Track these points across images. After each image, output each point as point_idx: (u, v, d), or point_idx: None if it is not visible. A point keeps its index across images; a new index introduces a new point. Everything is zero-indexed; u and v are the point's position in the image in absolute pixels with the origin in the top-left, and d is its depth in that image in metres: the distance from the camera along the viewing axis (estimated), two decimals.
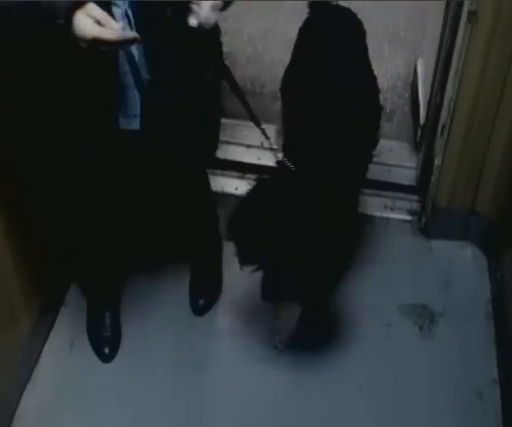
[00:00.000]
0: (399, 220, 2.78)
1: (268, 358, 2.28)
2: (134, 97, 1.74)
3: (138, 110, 1.76)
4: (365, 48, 2.26)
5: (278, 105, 2.39)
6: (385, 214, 2.79)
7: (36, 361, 2.26)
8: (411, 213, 2.81)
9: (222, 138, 2.93)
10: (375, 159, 2.91)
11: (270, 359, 2.28)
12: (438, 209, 2.63)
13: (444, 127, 2.45)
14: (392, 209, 2.82)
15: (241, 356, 2.28)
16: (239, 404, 2.18)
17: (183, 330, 2.35)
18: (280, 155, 1.92)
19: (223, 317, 2.40)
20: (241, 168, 2.86)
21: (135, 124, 1.78)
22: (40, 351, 2.28)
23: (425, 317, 2.43)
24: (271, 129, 2.10)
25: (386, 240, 2.69)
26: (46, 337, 2.32)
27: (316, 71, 2.08)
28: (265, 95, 3.16)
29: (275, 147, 1.96)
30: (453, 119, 2.37)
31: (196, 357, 2.29)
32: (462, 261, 2.63)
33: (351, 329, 2.39)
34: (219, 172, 2.79)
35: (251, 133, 2.70)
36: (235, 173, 2.86)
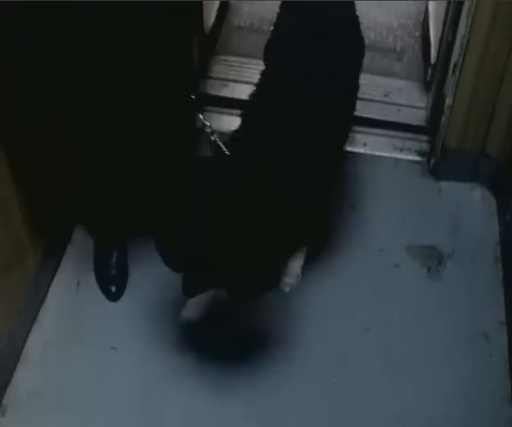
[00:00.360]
0: (408, 160, 2.74)
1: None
2: None
3: None
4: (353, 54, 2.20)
5: None
6: (394, 155, 2.75)
7: (43, 300, 2.26)
8: (420, 153, 2.77)
9: (229, 77, 2.93)
10: (385, 99, 2.93)
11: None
12: (448, 150, 2.59)
13: (455, 66, 2.40)
14: (401, 150, 2.78)
15: None
16: None
17: None
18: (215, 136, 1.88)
19: None
20: None
21: None
22: (46, 291, 2.28)
23: (433, 258, 2.42)
24: None
25: (394, 181, 2.66)
26: (53, 276, 2.31)
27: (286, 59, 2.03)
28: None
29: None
30: (466, 57, 2.32)
31: None
32: (471, 203, 2.61)
33: (358, 270, 2.37)
34: (225, 110, 2.76)
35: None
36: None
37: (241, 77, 2.86)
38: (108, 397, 2.07)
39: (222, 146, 1.84)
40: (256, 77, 2.06)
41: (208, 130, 1.89)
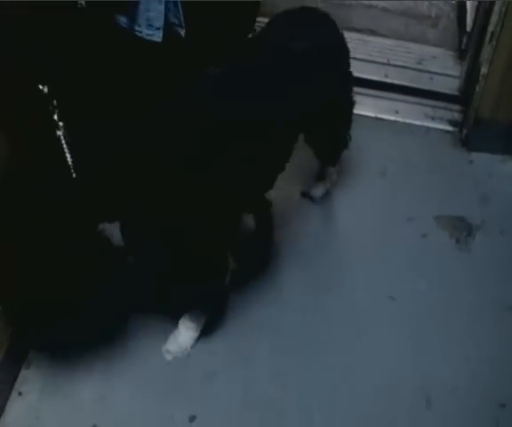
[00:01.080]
0: (440, 130, 2.71)
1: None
2: (158, 9, 1.74)
3: (161, 23, 1.76)
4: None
5: None
6: (425, 123, 2.72)
7: None
8: (452, 123, 2.74)
9: None
10: (418, 66, 2.89)
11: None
12: (481, 120, 2.56)
13: (493, 34, 2.35)
14: (433, 118, 2.75)
15: None
16: None
17: None
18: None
19: None
20: None
21: (157, 37, 1.78)
22: None
23: (462, 229, 2.39)
24: None
25: (425, 150, 2.63)
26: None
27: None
28: None
29: None
30: (504, 25, 2.27)
31: None
32: (502, 175, 2.57)
33: (385, 238, 2.36)
34: None
35: None
36: None
37: None
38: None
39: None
40: None
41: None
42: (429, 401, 2.00)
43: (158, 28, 1.77)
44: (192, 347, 2.07)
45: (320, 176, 2.46)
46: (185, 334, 2.06)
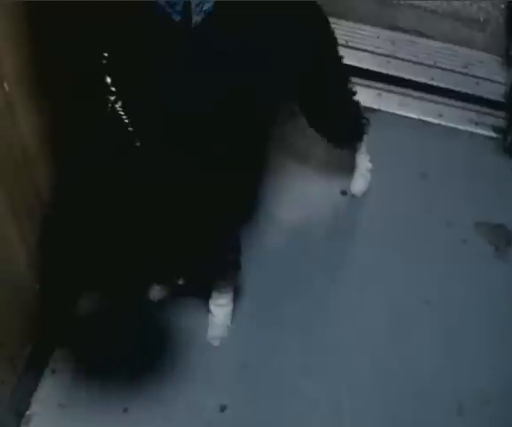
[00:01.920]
0: (483, 135, 2.68)
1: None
2: None
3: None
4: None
5: None
6: (469, 128, 2.69)
7: None
8: (496, 130, 2.70)
9: None
10: (464, 70, 2.85)
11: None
12: None
13: None
14: (477, 124, 2.71)
15: None
16: None
17: None
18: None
19: None
20: None
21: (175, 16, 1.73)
22: None
23: (502, 237, 2.36)
24: None
25: (467, 155, 2.60)
26: None
27: None
28: None
29: None
30: None
31: None
32: None
33: (424, 240, 2.34)
34: None
35: None
36: None
37: None
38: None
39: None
40: None
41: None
42: (461, 408, 1.98)
43: (178, 12, 1.72)
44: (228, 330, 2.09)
45: (358, 171, 2.46)
46: (220, 312, 2.07)
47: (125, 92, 1.54)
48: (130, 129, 1.53)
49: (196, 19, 1.75)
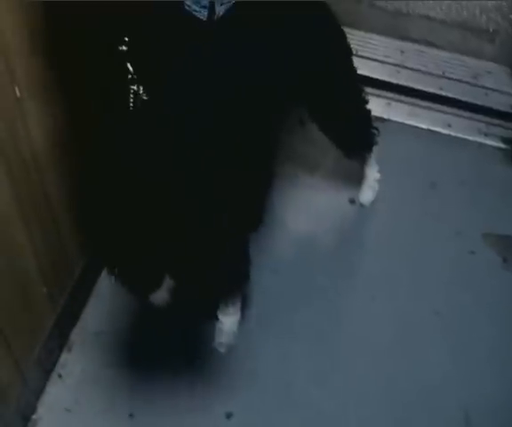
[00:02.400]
0: (492, 146, 2.68)
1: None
2: None
3: (207, 2, 1.74)
4: None
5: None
6: (478, 139, 2.69)
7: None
8: (505, 140, 2.70)
9: None
10: (473, 81, 2.85)
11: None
12: None
13: None
14: (486, 135, 2.71)
15: None
16: None
17: None
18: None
19: None
20: None
21: (202, 15, 1.76)
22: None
23: (510, 248, 2.35)
24: None
25: (476, 165, 2.60)
26: None
27: None
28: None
29: None
30: None
31: None
32: None
33: (433, 250, 2.33)
34: None
35: None
36: None
37: None
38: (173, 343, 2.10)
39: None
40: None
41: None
42: (468, 418, 1.97)
43: (204, 7, 1.75)
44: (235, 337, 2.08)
45: (366, 181, 2.46)
46: (228, 320, 2.06)
47: (147, 80, 1.56)
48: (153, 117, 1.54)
49: (219, 10, 1.76)
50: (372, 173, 2.43)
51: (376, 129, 2.32)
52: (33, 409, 1.93)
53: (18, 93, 1.57)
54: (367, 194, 2.44)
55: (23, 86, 1.58)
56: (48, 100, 1.72)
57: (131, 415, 1.93)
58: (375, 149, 2.37)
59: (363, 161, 2.41)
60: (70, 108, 1.82)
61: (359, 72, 2.14)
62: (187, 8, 1.77)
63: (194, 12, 1.77)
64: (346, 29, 2.00)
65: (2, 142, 1.54)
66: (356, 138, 2.29)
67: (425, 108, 2.76)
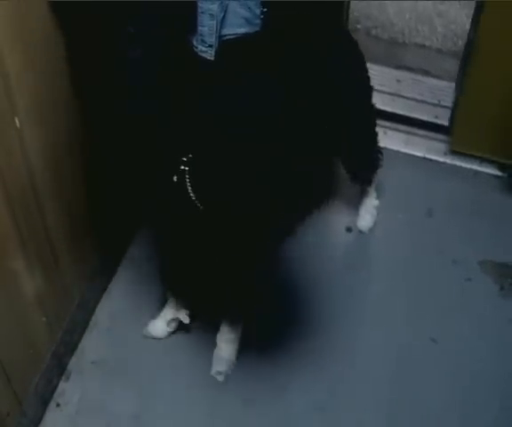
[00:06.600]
0: (488, 174, 2.68)
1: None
2: (209, 25, 1.70)
3: (213, 40, 1.72)
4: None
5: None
6: (474, 166, 2.70)
7: (114, 271, 2.31)
8: (501, 168, 2.70)
9: None
10: None
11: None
12: None
13: None
14: (481, 162, 2.72)
15: None
16: None
17: None
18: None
19: None
20: None
21: (209, 55, 1.73)
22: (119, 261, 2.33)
23: (506, 276, 2.36)
24: None
25: (473, 193, 2.60)
26: (125, 250, 2.36)
27: None
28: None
29: None
30: None
31: None
32: None
33: (429, 278, 2.34)
34: None
35: None
36: None
37: None
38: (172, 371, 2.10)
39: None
40: None
41: None
42: None
43: (210, 46, 1.73)
44: (233, 369, 2.08)
45: (364, 208, 2.47)
46: (227, 348, 2.07)
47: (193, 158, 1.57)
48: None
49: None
50: (371, 200, 2.45)
51: (380, 153, 2.35)
52: None
53: (18, 124, 1.59)
54: (366, 220, 2.45)
55: (23, 118, 1.60)
56: (48, 131, 1.74)
57: None
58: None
59: (366, 184, 2.42)
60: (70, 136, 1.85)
61: None
62: (195, 49, 1.74)
63: (200, 53, 1.73)
64: None
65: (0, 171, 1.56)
66: (363, 160, 2.31)
67: (421, 136, 2.78)
